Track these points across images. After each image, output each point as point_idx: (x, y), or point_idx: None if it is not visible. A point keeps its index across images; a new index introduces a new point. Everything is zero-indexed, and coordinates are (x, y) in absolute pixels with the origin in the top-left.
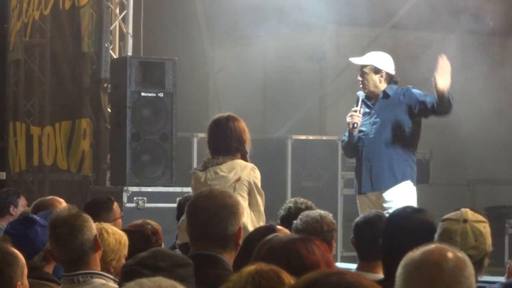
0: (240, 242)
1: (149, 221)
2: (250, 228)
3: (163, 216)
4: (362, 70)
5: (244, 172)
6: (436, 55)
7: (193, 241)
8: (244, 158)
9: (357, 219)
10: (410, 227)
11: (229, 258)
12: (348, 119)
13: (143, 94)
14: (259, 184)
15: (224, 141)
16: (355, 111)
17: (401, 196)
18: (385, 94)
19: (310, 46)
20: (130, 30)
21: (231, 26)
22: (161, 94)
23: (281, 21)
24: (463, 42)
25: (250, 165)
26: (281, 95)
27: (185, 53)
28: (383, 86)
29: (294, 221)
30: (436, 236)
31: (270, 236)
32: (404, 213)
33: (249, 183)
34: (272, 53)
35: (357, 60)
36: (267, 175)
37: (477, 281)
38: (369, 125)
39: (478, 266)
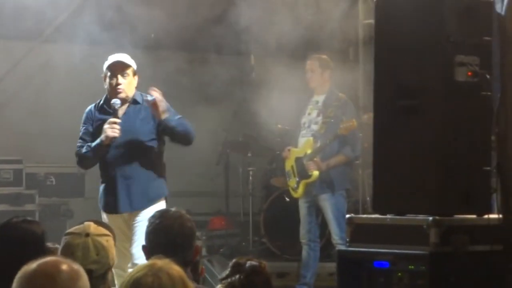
0: None
1: None
2: None
3: None
4: (122, 72)
5: None
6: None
7: None
8: None
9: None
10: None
11: None
12: (110, 132)
13: None
14: None
15: None
16: (115, 122)
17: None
18: (135, 101)
19: None
20: None
21: None
22: None
23: None
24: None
25: None
26: None
27: None
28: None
29: None
30: (59, 251)
31: None
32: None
33: None
34: None
35: (126, 59)
36: None
37: None
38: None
39: (102, 280)
